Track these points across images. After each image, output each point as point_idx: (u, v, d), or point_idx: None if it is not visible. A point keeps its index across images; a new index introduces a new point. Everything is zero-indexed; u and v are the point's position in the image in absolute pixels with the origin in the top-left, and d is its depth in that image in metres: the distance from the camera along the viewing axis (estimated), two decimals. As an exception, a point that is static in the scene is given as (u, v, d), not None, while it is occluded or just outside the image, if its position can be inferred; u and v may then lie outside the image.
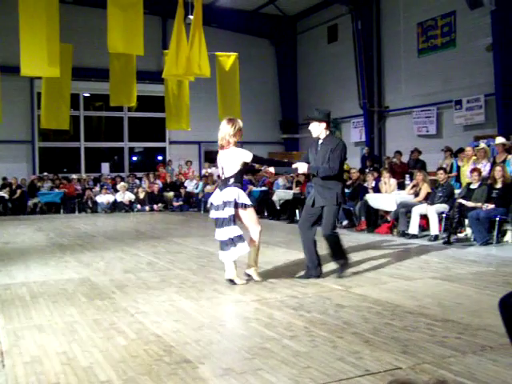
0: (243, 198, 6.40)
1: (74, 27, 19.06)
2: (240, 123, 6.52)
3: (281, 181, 16.26)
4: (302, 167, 6.60)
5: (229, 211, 6.29)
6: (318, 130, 6.66)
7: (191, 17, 13.19)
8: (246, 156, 6.41)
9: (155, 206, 18.85)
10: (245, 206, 6.39)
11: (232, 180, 6.41)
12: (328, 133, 6.69)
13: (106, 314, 5.17)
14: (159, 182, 19.82)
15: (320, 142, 6.67)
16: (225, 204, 6.34)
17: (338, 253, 6.75)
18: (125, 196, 18.76)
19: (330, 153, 6.47)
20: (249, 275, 6.61)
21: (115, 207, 18.57)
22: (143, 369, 3.68)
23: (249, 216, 6.46)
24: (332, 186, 6.50)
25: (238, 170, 6.42)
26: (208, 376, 3.55)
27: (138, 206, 18.79)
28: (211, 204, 6.63)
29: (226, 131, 6.42)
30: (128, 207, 18.64)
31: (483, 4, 13.95)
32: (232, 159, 6.42)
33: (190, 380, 3.47)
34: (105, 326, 4.75)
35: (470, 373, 3.53)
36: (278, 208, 15.23)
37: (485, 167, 10.94)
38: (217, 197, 6.49)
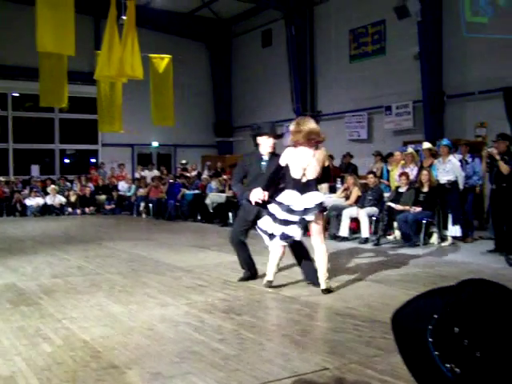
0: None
1: (1, 23, 18.39)
2: (307, 126, 5.84)
3: (214, 184, 16.23)
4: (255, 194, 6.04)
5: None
6: (271, 146, 6.38)
7: (124, 17, 13.02)
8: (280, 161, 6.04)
9: (87, 210, 18.47)
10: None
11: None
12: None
13: (31, 320, 5.02)
14: (91, 185, 19.43)
15: (266, 158, 6.41)
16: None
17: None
18: (55, 199, 18.28)
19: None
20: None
21: (45, 211, 18.05)
22: (68, 376, 3.59)
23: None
24: None
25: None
26: (135, 381, 3.51)
27: (69, 210, 18.36)
28: None
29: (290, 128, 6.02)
30: (59, 210, 18.17)
31: (410, 14, 14.44)
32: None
33: (116, 386, 3.43)
34: (30, 332, 4.62)
35: (394, 371, 3.62)
36: (211, 211, 15.19)
37: (412, 171, 11.26)
38: None
